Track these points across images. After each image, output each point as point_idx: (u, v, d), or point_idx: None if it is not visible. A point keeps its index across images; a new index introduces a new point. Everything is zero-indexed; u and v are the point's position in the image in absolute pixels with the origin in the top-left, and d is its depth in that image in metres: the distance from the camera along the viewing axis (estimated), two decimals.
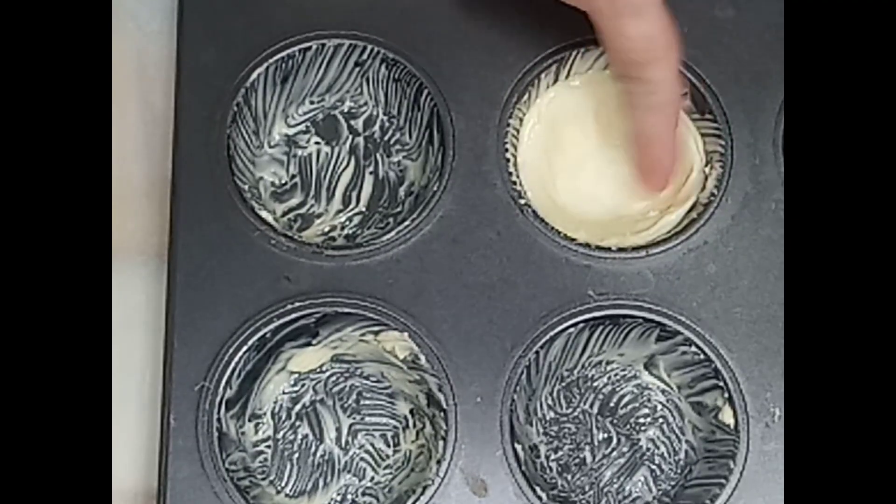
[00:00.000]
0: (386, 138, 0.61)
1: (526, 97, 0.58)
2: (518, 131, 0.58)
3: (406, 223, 0.56)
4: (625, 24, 0.51)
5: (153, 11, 0.62)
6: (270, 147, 0.60)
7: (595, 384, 0.58)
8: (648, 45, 0.52)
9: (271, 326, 0.54)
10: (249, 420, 0.56)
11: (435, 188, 0.56)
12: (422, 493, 0.53)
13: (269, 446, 0.57)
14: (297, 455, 0.57)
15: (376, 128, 0.61)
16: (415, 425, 0.57)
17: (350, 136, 0.60)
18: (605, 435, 0.57)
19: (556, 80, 0.59)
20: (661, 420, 0.57)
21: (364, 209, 0.59)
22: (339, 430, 0.57)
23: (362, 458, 0.57)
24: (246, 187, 0.57)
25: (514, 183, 0.57)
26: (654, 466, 0.57)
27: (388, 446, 0.57)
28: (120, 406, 0.55)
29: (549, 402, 0.58)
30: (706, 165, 0.58)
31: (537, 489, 0.53)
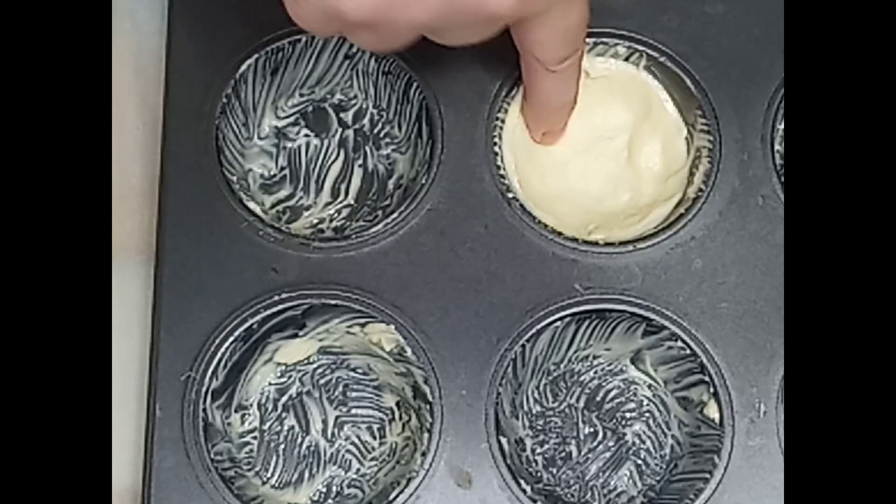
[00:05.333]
0: (375, 131, 0.61)
1: (515, 91, 0.58)
2: (506, 125, 0.58)
3: (394, 216, 0.56)
4: None
5: (151, 12, 0.62)
6: (260, 139, 0.60)
7: (581, 378, 0.58)
8: None
9: (258, 317, 0.55)
10: (235, 411, 0.56)
11: (423, 181, 0.56)
12: (406, 485, 0.53)
13: (255, 437, 0.57)
14: (282, 446, 0.57)
15: (366, 121, 0.61)
16: (401, 417, 0.57)
17: (339, 129, 0.61)
18: (591, 429, 0.57)
19: None
20: (647, 415, 0.58)
21: (353, 202, 0.59)
22: (325, 421, 0.57)
23: (348, 450, 0.57)
24: (234, 179, 0.57)
25: (502, 177, 0.57)
26: (639, 461, 0.57)
27: (374, 438, 0.57)
28: (120, 405, 0.55)
29: (536, 395, 0.58)
30: (695, 160, 0.58)
31: (522, 482, 0.53)
